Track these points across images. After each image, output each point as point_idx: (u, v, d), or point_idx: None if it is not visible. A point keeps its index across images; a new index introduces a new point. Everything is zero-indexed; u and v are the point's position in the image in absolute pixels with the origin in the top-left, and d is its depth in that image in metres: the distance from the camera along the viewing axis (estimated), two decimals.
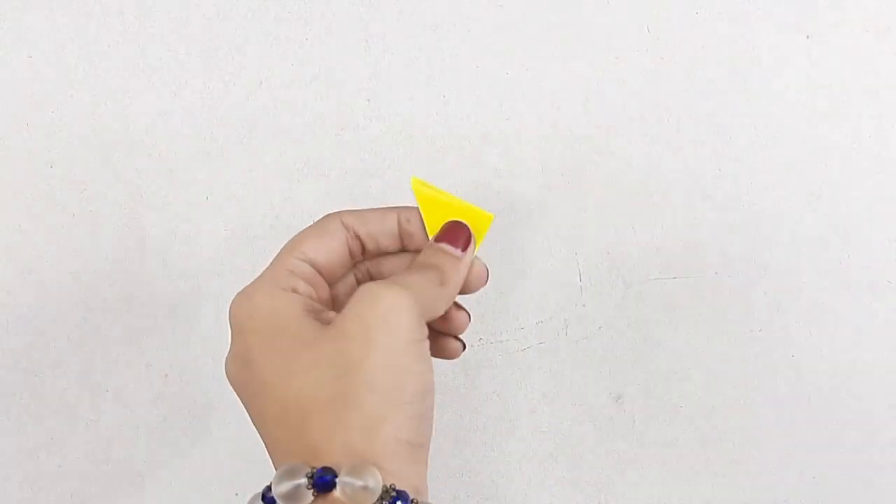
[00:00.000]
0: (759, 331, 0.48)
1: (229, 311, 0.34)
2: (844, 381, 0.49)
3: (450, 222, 0.36)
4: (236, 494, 0.49)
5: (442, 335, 0.38)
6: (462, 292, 0.36)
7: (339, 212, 0.36)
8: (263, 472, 0.50)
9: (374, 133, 0.49)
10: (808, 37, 0.49)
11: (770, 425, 0.49)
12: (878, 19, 0.49)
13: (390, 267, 0.38)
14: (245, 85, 0.48)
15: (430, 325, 0.34)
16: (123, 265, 0.48)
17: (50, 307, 0.48)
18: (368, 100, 0.49)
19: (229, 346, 0.34)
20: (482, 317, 0.49)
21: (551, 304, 0.49)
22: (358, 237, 0.36)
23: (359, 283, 0.38)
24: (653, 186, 0.49)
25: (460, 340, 0.38)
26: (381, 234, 0.36)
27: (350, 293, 0.37)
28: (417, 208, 0.37)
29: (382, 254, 0.37)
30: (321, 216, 0.37)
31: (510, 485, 0.49)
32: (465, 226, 0.36)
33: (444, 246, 0.35)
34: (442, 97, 0.49)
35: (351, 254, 0.36)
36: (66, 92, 0.48)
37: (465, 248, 0.36)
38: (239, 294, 0.34)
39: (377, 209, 0.37)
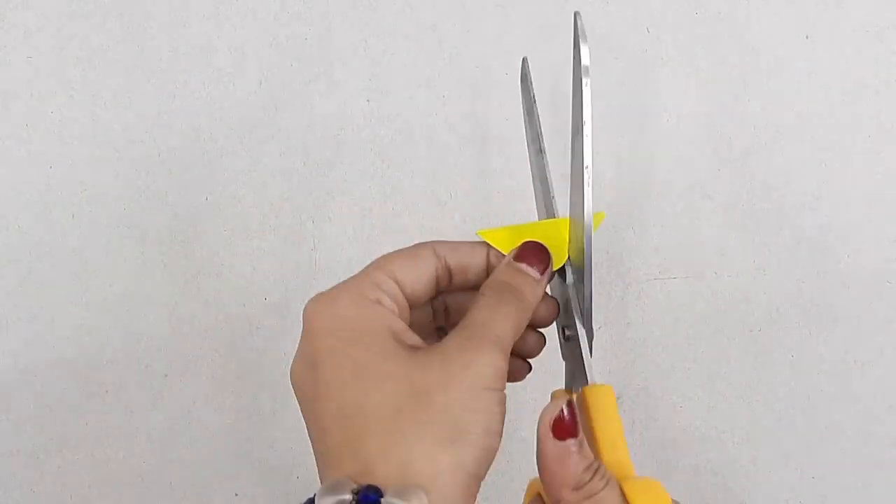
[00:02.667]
0: (759, 331, 0.48)
1: (304, 311, 0.33)
2: (844, 381, 0.49)
3: (527, 242, 0.35)
4: (236, 495, 0.49)
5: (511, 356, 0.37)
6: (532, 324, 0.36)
7: (432, 241, 0.35)
8: (264, 473, 0.50)
9: (374, 133, 0.49)
10: (807, 37, 0.49)
11: (770, 425, 0.49)
12: (878, 19, 0.49)
13: (465, 300, 0.37)
14: (245, 85, 0.48)
15: None
16: (123, 265, 0.48)
17: (50, 307, 0.48)
18: (368, 100, 0.49)
19: (298, 348, 0.33)
20: None
21: None
22: (447, 267, 0.35)
23: (434, 311, 0.37)
24: (653, 186, 0.49)
25: (527, 362, 0.37)
26: (471, 266, 0.35)
27: (424, 322, 0.37)
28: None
29: (467, 287, 0.36)
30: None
31: (510, 485, 0.49)
32: (544, 247, 0.35)
33: (523, 266, 0.35)
34: (442, 97, 0.49)
35: (437, 282, 0.35)
36: (66, 92, 0.48)
37: (543, 271, 0.35)
38: (319, 295, 0.33)
39: (468, 242, 0.36)
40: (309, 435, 0.32)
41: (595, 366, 0.50)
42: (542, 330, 0.38)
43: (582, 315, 0.36)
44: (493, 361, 0.31)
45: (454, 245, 0.35)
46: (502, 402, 0.31)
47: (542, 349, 0.37)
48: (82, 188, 0.48)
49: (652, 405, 0.49)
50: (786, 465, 0.49)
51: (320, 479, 0.31)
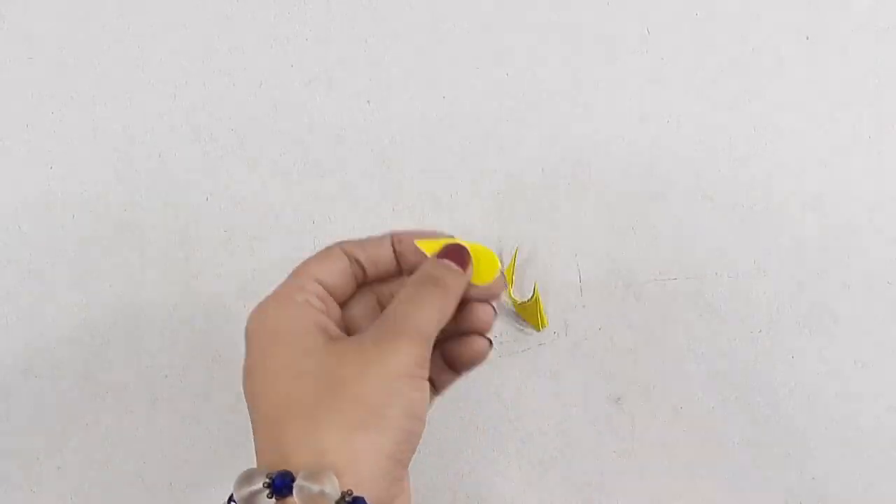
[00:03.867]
0: (759, 331, 0.48)
1: (245, 328, 0.34)
2: (844, 381, 0.49)
3: (449, 244, 0.37)
4: None
5: (464, 335, 0.38)
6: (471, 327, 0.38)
7: (339, 242, 0.37)
8: None
9: (375, 133, 0.49)
10: (807, 37, 0.49)
11: (770, 425, 0.49)
12: (878, 19, 0.49)
13: (393, 290, 0.39)
14: (245, 85, 0.48)
15: (450, 326, 0.36)
16: (123, 265, 0.48)
17: (50, 307, 0.48)
18: (368, 100, 0.49)
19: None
20: None
21: (551, 305, 0.49)
22: (358, 262, 0.37)
23: (381, 305, 0.39)
24: (653, 186, 0.49)
25: (486, 338, 0.38)
26: (379, 257, 0.37)
27: (367, 315, 0.38)
28: (410, 231, 0.38)
29: (384, 277, 0.38)
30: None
31: (510, 485, 0.49)
32: (464, 248, 0.37)
33: (444, 261, 0.36)
34: (442, 97, 0.49)
35: (354, 276, 0.37)
36: (66, 92, 0.48)
37: (464, 267, 0.37)
38: (253, 310, 0.35)
39: (374, 237, 0.38)
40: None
41: (595, 366, 0.50)
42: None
43: None
44: (410, 350, 0.32)
45: (360, 242, 0.38)
46: (421, 388, 0.32)
47: (493, 319, 0.39)
48: (82, 188, 0.48)
49: (652, 405, 0.49)
50: (786, 465, 0.49)
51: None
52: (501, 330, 0.49)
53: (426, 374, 0.32)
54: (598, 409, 0.49)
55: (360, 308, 0.38)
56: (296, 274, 0.36)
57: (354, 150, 0.49)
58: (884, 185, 0.49)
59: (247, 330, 0.34)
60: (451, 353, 0.38)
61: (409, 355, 0.32)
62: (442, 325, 0.35)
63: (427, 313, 0.34)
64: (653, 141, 0.49)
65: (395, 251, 0.38)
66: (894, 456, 0.49)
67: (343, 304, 0.37)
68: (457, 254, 0.37)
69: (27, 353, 0.48)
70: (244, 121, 0.48)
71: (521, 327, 0.49)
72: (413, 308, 0.34)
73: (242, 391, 0.34)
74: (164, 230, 0.48)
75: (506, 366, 0.49)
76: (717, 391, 0.49)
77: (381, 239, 0.38)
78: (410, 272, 0.37)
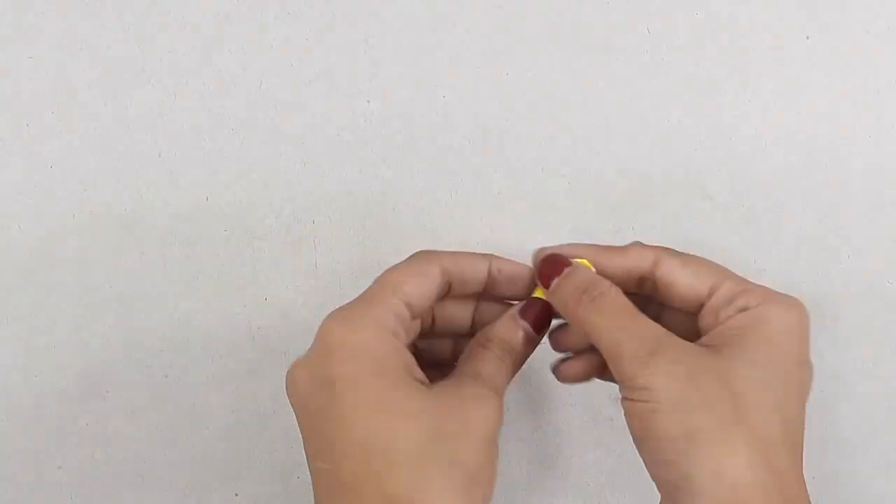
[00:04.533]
0: None
1: (323, 329, 0.33)
2: (844, 381, 0.49)
3: (534, 299, 0.36)
4: (236, 495, 0.49)
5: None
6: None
7: (437, 254, 0.35)
8: (264, 473, 0.50)
9: (374, 133, 0.49)
10: (807, 37, 0.49)
11: None
12: (878, 19, 0.49)
13: (455, 310, 0.38)
14: (245, 85, 0.48)
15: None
16: (123, 265, 0.48)
17: (50, 307, 0.48)
18: (368, 100, 0.49)
19: (306, 358, 0.33)
20: None
21: None
22: (449, 283, 0.36)
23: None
24: (653, 186, 0.49)
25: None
26: (472, 281, 0.36)
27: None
28: (514, 263, 0.37)
29: (458, 297, 0.37)
30: (414, 253, 0.36)
31: (510, 485, 0.49)
32: (548, 309, 0.36)
33: (524, 325, 0.36)
34: (442, 97, 0.49)
35: (439, 296, 0.36)
36: (66, 92, 0.48)
37: (540, 333, 0.36)
38: (339, 315, 0.33)
39: (470, 254, 0.36)
40: (308, 449, 0.32)
41: None
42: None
43: None
44: (499, 415, 0.32)
45: (457, 259, 0.35)
46: (498, 449, 0.32)
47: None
48: (82, 188, 0.48)
49: None
50: None
51: (329, 499, 0.31)
52: None
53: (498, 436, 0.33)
54: (598, 408, 0.49)
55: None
56: (392, 289, 0.33)
57: (354, 149, 0.49)
58: (884, 185, 0.49)
59: (326, 339, 0.32)
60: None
61: (498, 420, 0.31)
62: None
63: (506, 377, 0.34)
64: (652, 140, 0.49)
65: (489, 277, 0.36)
66: (894, 456, 0.49)
67: None
68: (536, 315, 0.36)
69: (27, 353, 0.48)
70: (244, 121, 0.48)
71: None
72: (499, 369, 0.34)
73: (295, 393, 0.33)
74: (164, 230, 0.48)
75: None
76: None
77: (477, 259, 0.36)
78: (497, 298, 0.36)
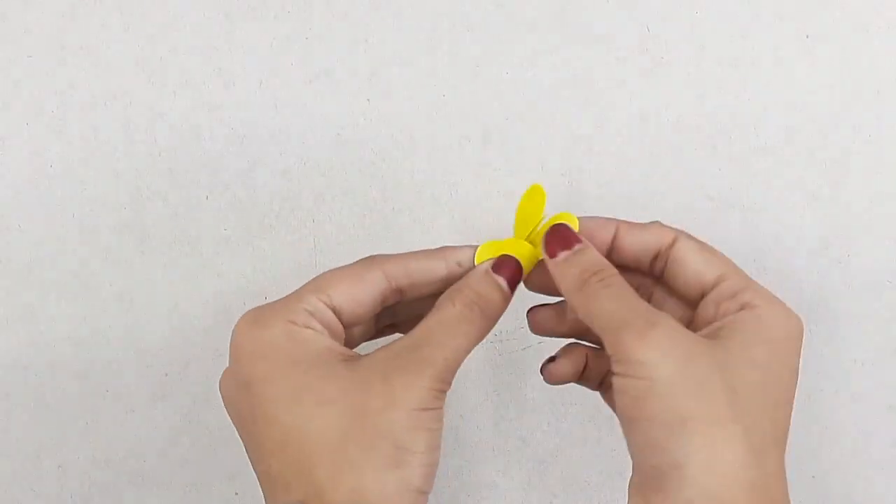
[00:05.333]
0: None
1: (233, 333, 0.32)
2: (844, 381, 0.49)
3: (506, 255, 0.35)
4: (236, 494, 0.49)
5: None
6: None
7: (382, 259, 0.34)
8: None
9: (374, 133, 0.49)
10: (807, 37, 0.49)
11: None
12: (878, 19, 0.49)
13: (418, 307, 0.36)
14: (245, 85, 0.48)
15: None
16: (123, 265, 0.48)
17: (50, 307, 0.48)
18: (368, 100, 0.49)
19: (228, 367, 0.33)
20: None
21: None
22: (399, 289, 0.34)
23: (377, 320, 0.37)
24: (653, 186, 0.49)
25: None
26: (426, 283, 0.35)
27: (365, 333, 0.36)
28: (472, 248, 0.35)
29: (418, 299, 0.36)
30: (361, 258, 0.34)
31: (510, 485, 0.49)
32: (520, 264, 0.35)
33: (500, 279, 0.34)
34: (442, 97, 0.49)
35: (383, 301, 0.34)
36: (66, 92, 0.48)
37: (512, 289, 0.35)
38: (249, 317, 0.33)
39: (422, 254, 0.35)
40: (248, 453, 0.32)
41: None
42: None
43: None
44: (434, 383, 0.30)
45: (406, 263, 0.34)
46: (441, 418, 0.31)
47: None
48: (82, 188, 0.48)
49: None
50: (786, 465, 0.49)
51: (265, 496, 0.31)
52: (501, 328, 0.49)
53: (444, 401, 0.31)
54: (598, 407, 0.49)
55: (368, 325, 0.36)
56: (314, 289, 0.33)
57: (354, 149, 0.49)
58: (884, 185, 0.49)
59: (238, 344, 0.32)
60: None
61: (433, 389, 0.30)
62: (471, 350, 0.33)
63: (459, 342, 0.32)
64: (653, 140, 0.49)
65: (448, 274, 0.35)
66: (894, 456, 0.49)
67: (350, 328, 0.35)
68: (510, 269, 0.35)
69: (27, 353, 0.48)
70: (244, 121, 0.48)
71: (521, 325, 0.49)
72: (445, 334, 0.32)
73: (224, 400, 0.33)
74: (164, 230, 0.48)
75: (506, 364, 0.49)
76: None
77: (431, 259, 0.34)
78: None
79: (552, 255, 0.34)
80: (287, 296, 0.33)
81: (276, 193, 0.49)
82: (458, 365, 0.32)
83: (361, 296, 0.33)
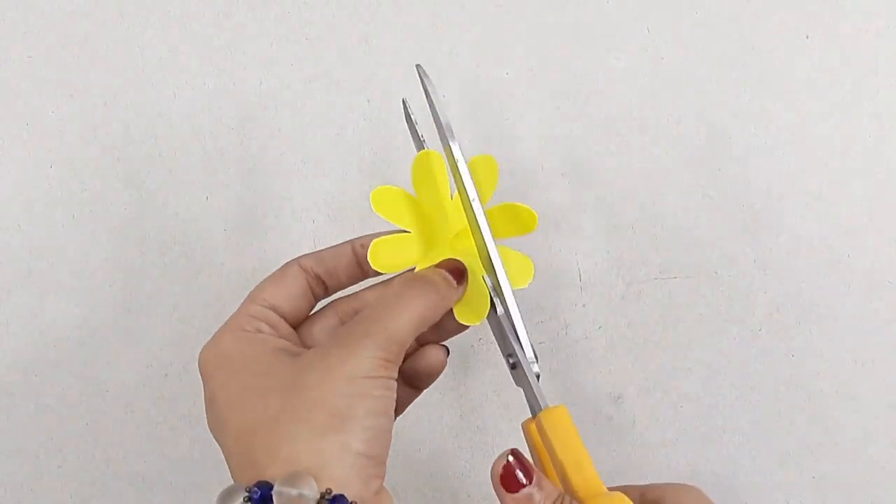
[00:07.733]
0: (759, 330, 0.48)
1: (198, 360, 0.35)
2: (844, 380, 0.49)
3: (448, 259, 0.37)
4: None
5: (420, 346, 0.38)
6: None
7: (298, 257, 0.37)
8: None
9: (374, 133, 0.49)
10: (807, 37, 0.49)
11: (770, 425, 0.49)
12: (878, 19, 0.49)
13: (365, 298, 0.38)
14: (245, 85, 0.48)
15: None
16: (123, 265, 0.48)
17: (50, 307, 0.48)
18: (368, 100, 0.49)
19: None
20: None
21: (551, 304, 0.49)
22: (318, 277, 0.37)
23: (342, 320, 0.38)
24: (653, 186, 0.49)
25: (443, 346, 0.38)
26: (340, 268, 0.37)
27: (330, 331, 0.38)
28: (371, 235, 0.37)
29: (344, 288, 0.38)
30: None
31: None
32: (463, 266, 0.36)
33: (442, 271, 0.36)
34: (442, 97, 0.49)
35: (314, 294, 0.37)
36: (66, 92, 0.48)
37: (459, 281, 0.36)
38: (207, 343, 0.35)
39: (331, 247, 0.37)
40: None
41: (595, 365, 0.50)
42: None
43: (520, 342, 0.37)
44: (373, 352, 0.31)
45: (318, 255, 0.37)
46: (386, 387, 0.32)
47: (440, 368, 0.38)
48: (82, 188, 0.48)
49: (652, 405, 0.49)
50: (786, 465, 0.49)
51: None
52: None
53: (393, 374, 0.32)
54: (598, 408, 0.49)
55: (321, 325, 0.38)
56: (250, 300, 0.35)
57: (354, 149, 0.49)
58: (884, 185, 0.49)
59: (201, 365, 0.34)
60: (407, 371, 0.37)
61: (371, 358, 0.31)
62: (420, 330, 0.34)
63: (403, 315, 0.33)
64: (652, 140, 0.49)
65: (357, 257, 0.37)
66: (894, 455, 0.49)
67: (301, 323, 0.37)
68: (455, 269, 0.36)
69: (27, 353, 0.48)
70: (244, 121, 0.48)
71: None
72: (385, 310, 0.33)
73: (210, 428, 0.34)
74: (164, 230, 0.48)
75: (506, 365, 0.49)
76: (717, 391, 0.49)
77: (339, 247, 0.37)
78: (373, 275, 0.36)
79: (513, 490, 0.33)
80: (233, 313, 0.36)
81: (276, 193, 0.49)
82: (405, 335, 0.33)
83: (288, 290, 0.36)
